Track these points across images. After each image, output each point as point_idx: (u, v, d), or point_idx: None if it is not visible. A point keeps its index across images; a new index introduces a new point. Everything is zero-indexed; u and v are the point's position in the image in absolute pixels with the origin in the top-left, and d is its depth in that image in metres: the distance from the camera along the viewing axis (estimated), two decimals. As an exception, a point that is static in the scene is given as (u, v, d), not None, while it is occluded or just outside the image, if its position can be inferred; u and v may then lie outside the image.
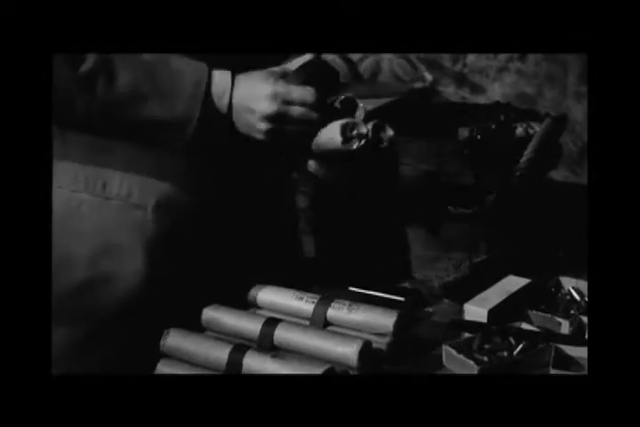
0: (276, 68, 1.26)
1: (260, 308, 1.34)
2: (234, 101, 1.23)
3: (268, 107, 1.22)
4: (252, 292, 1.34)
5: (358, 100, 1.32)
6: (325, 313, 1.27)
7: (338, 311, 1.27)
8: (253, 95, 1.23)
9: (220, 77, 1.23)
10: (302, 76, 1.25)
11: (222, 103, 1.23)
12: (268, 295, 1.33)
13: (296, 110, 1.24)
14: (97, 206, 1.28)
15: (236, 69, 1.26)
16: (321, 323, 1.27)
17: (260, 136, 1.24)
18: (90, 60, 1.17)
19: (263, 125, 1.23)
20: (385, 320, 1.24)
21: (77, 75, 1.16)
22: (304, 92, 1.24)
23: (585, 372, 1.17)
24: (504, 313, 1.35)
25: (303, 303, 1.29)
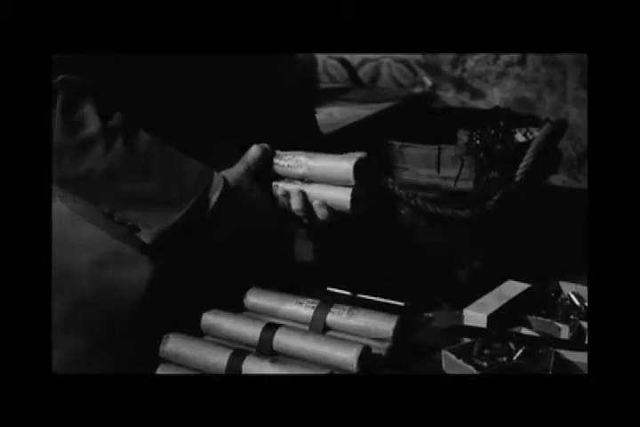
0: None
1: (257, 312, 1.34)
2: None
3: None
4: (250, 296, 1.34)
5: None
6: (325, 318, 1.27)
7: (337, 316, 1.27)
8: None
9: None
10: None
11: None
12: (267, 300, 1.33)
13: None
14: (97, 216, 1.26)
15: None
16: (320, 328, 1.27)
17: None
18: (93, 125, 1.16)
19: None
20: (384, 326, 1.24)
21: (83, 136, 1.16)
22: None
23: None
24: (504, 318, 1.35)
25: (302, 308, 1.29)
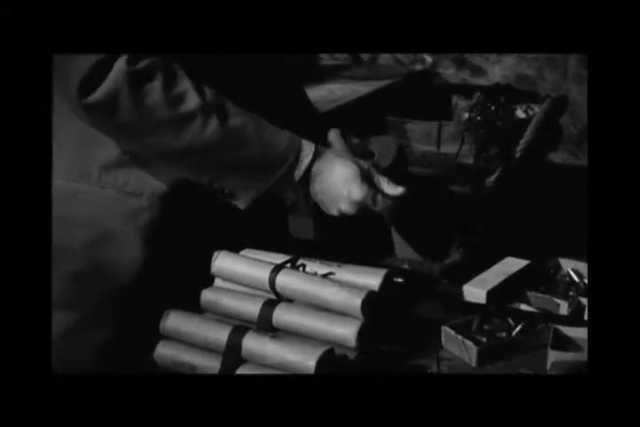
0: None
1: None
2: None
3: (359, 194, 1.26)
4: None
5: None
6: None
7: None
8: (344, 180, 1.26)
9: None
10: None
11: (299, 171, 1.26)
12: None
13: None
14: (92, 195, 1.29)
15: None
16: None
17: (335, 213, 1.29)
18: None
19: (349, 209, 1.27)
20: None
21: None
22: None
23: (583, 352, 1.18)
24: (503, 294, 1.35)
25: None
